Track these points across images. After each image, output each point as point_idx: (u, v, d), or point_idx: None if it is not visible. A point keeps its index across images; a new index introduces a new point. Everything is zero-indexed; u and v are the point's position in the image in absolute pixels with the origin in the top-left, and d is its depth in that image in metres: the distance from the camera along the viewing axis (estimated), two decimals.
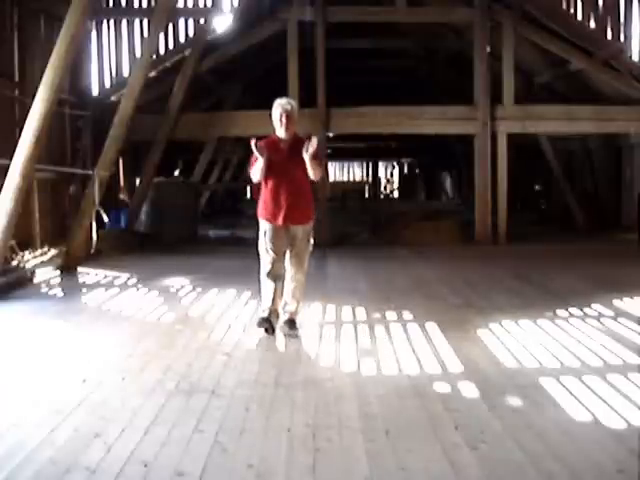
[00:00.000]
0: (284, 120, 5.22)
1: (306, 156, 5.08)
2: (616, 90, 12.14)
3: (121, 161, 12.92)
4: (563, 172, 14.62)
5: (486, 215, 11.93)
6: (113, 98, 12.17)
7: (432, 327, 5.55)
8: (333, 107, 11.99)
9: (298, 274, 5.40)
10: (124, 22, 12.54)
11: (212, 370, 4.41)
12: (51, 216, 10.65)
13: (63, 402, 3.77)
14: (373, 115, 12.23)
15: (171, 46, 12.72)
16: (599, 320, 5.81)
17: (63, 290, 7.57)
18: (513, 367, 4.46)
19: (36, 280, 7.90)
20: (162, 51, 12.47)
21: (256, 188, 6.03)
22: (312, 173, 5.20)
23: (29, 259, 9.03)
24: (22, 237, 8.99)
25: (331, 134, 13.66)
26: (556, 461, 3.00)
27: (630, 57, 11.46)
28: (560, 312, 6.09)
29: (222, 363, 4.57)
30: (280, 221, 5.26)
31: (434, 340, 5.15)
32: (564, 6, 12.05)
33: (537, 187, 19.68)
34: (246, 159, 19.42)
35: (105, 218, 10.77)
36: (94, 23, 12.13)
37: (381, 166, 36.63)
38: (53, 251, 9.87)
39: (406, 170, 35.68)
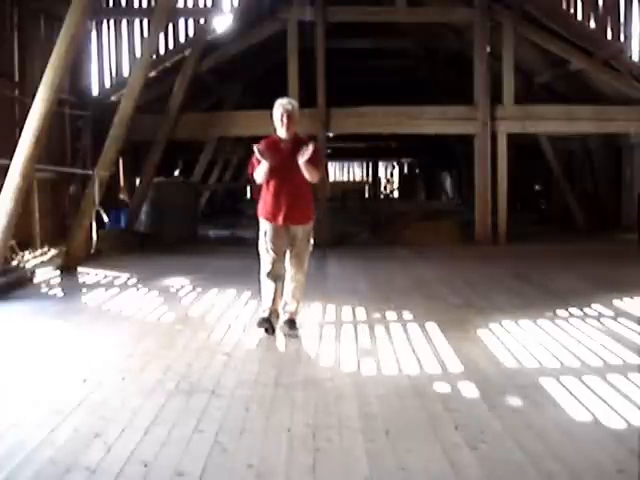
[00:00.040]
0: (285, 120, 5.22)
1: (300, 161, 5.10)
2: (616, 90, 12.14)
3: (121, 161, 12.92)
4: (563, 172, 14.62)
5: (486, 215, 11.94)
6: (113, 98, 12.17)
7: (432, 327, 5.56)
8: (333, 107, 11.99)
9: (298, 274, 5.40)
10: (124, 22, 12.54)
11: (212, 370, 4.41)
12: (51, 216, 10.65)
13: (63, 402, 3.77)
14: (373, 115, 12.23)
15: (171, 46, 12.73)
16: (599, 320, 5.81)
17: (63, 290, 7.57)
18: (513, 367, 4.46)
19: (36, 280, 7.90)
20: (162, 51, 12.47)
21: (256, 188, 6.04)
22: (308, 176, 5.21)
23: (29, 259, 9.03)
24: (22, 237, 8.99)
25: (331, 134, 13.68)
26: (556, 461, 3.00)
27: (630, 57, 11.46)
28: (560, 312, 6.09)
29: (222, 363, 4.58)
30: (280, 221, 5.27)
31: (434, 340, 5.15)
32: (564, 6, 12.05)
33: (537, 187, 19.68)
34: (246, 159, 19.48)
35: (105, 218, 10.77)
36: (94, 23, 12.13)
37: (381, 166, 36.64)
38: (53, 251, 9.88)
39: (406, 170, 35.68)
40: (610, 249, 11.24)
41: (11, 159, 7.42)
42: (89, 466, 2.96)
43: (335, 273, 8.85)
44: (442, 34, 15.11)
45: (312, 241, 5.46)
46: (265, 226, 5.35)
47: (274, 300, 5.36)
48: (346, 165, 37.66)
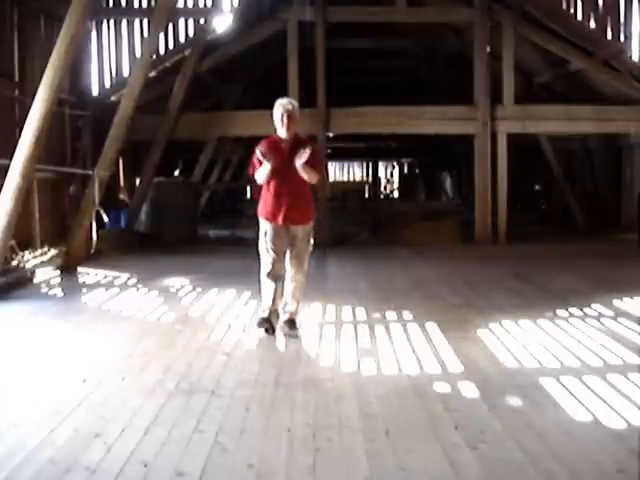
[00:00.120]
0: (285, 120, 5.23)
1: (297, 164, 5.10)
2: (616, 90, 12.14)
3: (121, 161, 12.92)
4: (563, 172, 14.62)
5: (486, 215, 11.93)
6: (113, 98, 12.17)
7: (432, 327, 5.56)
8: (333, 107, 11.99)
9: (298, 274, 5.40)
10: (124, 22, 12.54)
11: (212, 370, 4.41)
12: (51, 216, 10.65)
13: (63, 402, 3.77)
14: (373, 115, 12.23)
15: (171, 46, 12.72)
16: (599, 320, 5.81)
17: (63, 290, 7.57)
18: (513, 367, 4.46)
19: (36, 280, 7.90)
20: (162, 51, 12.47)
21: (256, 188, 6.04)
22: (307, 177, 5.23)
23: (29, 259, 9.03)
24: (22, 237, 8.99)
25: (331, 134, 13.67)
26: (556, 461, 3.00)
27: (630, 57, 11.46)
28: (560, 312, 6.09)
29: (222, 363, 4.58)
30: (280, 221, 5.27)
31: (434, 340, 5.15)
32: (564, 6, 12.05)
33: (537, 187, 19.68)
34: (246, 159, 19.48)
35: (105, 218, 10.77)
36: (94, 23, 12.13)
37: (381, 166, 36.63)
38: (53, 251, 9.87)
39: (406, 170, 35.68)
40: (610, 249, 11.24)
41: (11, 159, 7.42)
42: (89, 466, 2.96)
43: (335, 273, 8.85)
44: (442, 34, 15.11)
45: (312, 241, 5.47)
46: (265, 226, 5.35)
47: (274, 300, 5.37)
48: (346, 165, 37.65)
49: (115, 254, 10.25)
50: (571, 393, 3.91)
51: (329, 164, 29.51)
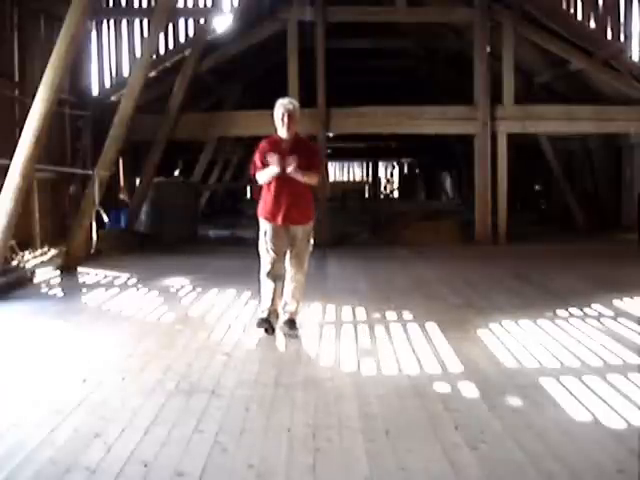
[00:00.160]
0: (286, 120, 5.23)
1: (289, 171, 5.12)
2: (616, 90, 12.14)
3: (121, 161, 12.92)
4: (563, 172, 14.62)
5: (486, 215, 11.93)
6: (113, 98, 12.17)
7: (432, 327, 5.56)
8: (333, 107, 11.99)
9: (298, 274, 5.40)
10: (124, 22, 12.55)
11: (212, 370, 4.41)
12: (51, 216, 10.65)
13: (63, 402, 3.78)
14: (373, 115, 12.23)
15: (171, 46, 12.73)
16: (599, 320, 5.81)
17: (63, 290, 7.57)
18: (513, 367, 4.46)
19: (36, 280, 7.90)
20: (162, 51, 12.47)
21: (256, 188, 6.04)
22: (307, 180, 5.26)
23: (29, 259, 9.03)
24: (22, 237, 8.99)
25: (331, 134, 13.67)
26: (556, 461, 3.00)
27: (630, 57, 11.46)
28: (560, 312, 6.09)
29: (222, 363, 4.58)
30: (280, 221, 5.27)
31: (434, 340, 5.15)
32: (564, 6, 12.05)
33: (537, 187, 19.68)
34: (246, 159, 19.51)
35: (105, 218, 10.77)
36: (94, 23, 12.13)
37: (381, 166, 36.63)
38: (53, 251, 9.87)
39: (406, 170, 35.68)
40: (610, 249, 11.24)
41: (11, 159, 7.42)
42: (89, 466, 2.97)
43: (335, 273, 8.85)
44: (442, 34, 15.11)
45: (312, 241, 5.47)
46: (265, 226, 5.35)
47: (273, 300, 5.37)
48: (346, 165, 37.65)
49: (115, 254, 10.25)
50: (571, 393, 3.91)
51: (329, 164, 29.49)
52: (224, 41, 12.66)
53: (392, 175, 37.36)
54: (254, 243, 5.54)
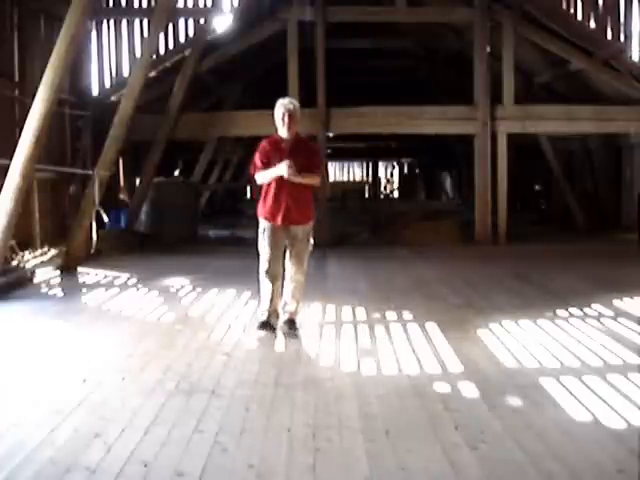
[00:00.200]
0: (286, 120, 5.23)
1: (288, 176, 5.13)
2: (616, 90, 12.14)
3: (121, 161, 12.92)
4: (563, 172, 14.62)
5: (486, 215, 11.93)
6: (113, 98, 12.17)
7: (432, 327, 5.56)
8: (333, 107, 11.99)
9: (298, 274, 5.40)
10: (124, 22, 12.55)
11: (212, 370, 4.41)
12: (51, 216, 10.65)
13: (63, 402, 3.77)
14: (373, 115, 12.23)
15: (171, 46, 12.73)
16: (599, 320, 5.81)
17: (63, 290, 7.57)
18: (513, 367, 4.46)
19: (36, 280, 7.90)
20: (162, 51, 12.47)
21: (256, 188, 6.04)
22: (309, 182, 5.27)
23: (29, 259, 9.03)
24: (22, 237, 8.99)
25: (331, 134, 13.67)
26: (556, 461, 3.00)
27: (630, 57, 11.46)
28: (560, 312, 6.09)
29: (222, 363, 4.58)
30: (279, 221, 5.28)
31: (434, 340, 5.15)
32: (564, 6, 12.05)
33: (537, 187, 19.68)
34: (246, 159, 19.50)
35: (105, 218, 10.76)
36: (94, 23, 12.13)
37: (381, 166, 36.62)
38: (53, 251, 9.87)
39: (406, 170, 35.67)
40: (610, 249, 11.24)
41: (11, 159, 7.42)
42: (89, 466, 2.97)
43: (335, 273, 8.85)
44: (442, 34, 15.11)
45: (312, 241, 5.47)
46: (264, 225, 5.36)
47: (272, 300, 5.40)
48: (346, 165, 37.64)
49: (115, 254, 10.25)
50: (571, 393, 3.91)
51: (329, 164, 29.49)
52: (224, 41, 12.66)
53: (392, 175, 37.36)
54: (254, 243, 5.54)
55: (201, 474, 2.90)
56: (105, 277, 8.34)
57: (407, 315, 6.06)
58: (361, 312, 6.18)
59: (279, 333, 5.35)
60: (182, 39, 12.81)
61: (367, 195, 32.92)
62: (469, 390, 3.99)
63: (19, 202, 7.38)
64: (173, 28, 12.71)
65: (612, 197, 14.82)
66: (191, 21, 12.73)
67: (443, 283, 7.84)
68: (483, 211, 11.94)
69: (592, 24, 11.65)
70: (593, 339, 5.15)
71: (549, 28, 11.95)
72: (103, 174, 9.56)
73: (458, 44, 14.85)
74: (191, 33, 12.72)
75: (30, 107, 7.54)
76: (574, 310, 6.18)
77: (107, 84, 12.55)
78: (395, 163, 36.38)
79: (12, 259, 8.40)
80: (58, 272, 8.46)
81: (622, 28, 11.19)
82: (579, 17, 11.87)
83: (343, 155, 31.54)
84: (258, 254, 5.41)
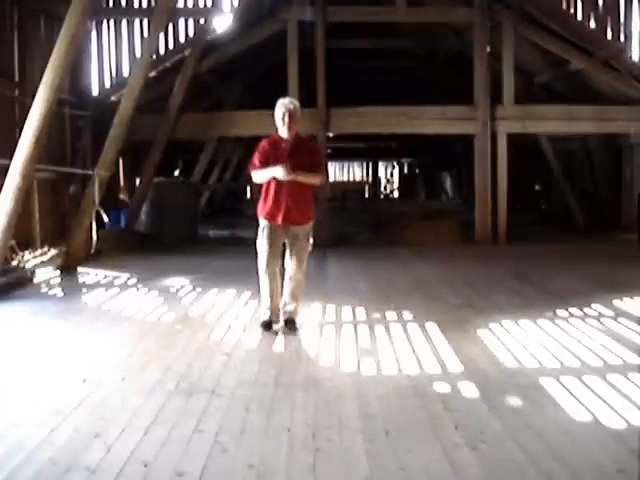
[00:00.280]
0: (287, 119, 5.23)
1: (290, 177, 5.14)
2: (616, 90, 12.13)
3: (121, 161, 12.92)
4: (563, 172, 14.62)
5: (486, 215, 11.93)
6: (113, 98, 12.17)
7: (432, 327, 5.56)
8: (333, 107, 11.99)
9: (297, 274, 5.41)
10: (124, 22, 12.54)
11: (212, 370, 4.41)
12: (51, 216, 10.65)
13: (63, 402, 3.77)
14: (373, 115, 12.23)
15: (171, 46, 12.72)
16: (599, 320, 5.81)
17: (63, 290, 7.57)
18: (513, 367, 4.46)
19: (36, 280, 7.90)
20: (162, 51, 12.47)
21: (256, 188, 6.06)
22: (311, 181, 5.28)
23: (29, 259, 9.03)
24: (22, 237, 8.99)
25: (331, 134, 13.67)
26: (556, 461, 3.00)
27: (630, 57, 11.46)
28: (560, 312, 6.09)
29: (222, 363, 4.58)
30: (279, 221, 5.28)
31: (434, 340, 5.15)
32: (564, 6, 12.05)
33: (537, 187, 19.67)
34: (246, 159, 19.48)
35: (105, 218, 10.77)
36: (94, 23, 12.13)
37: (381, 166, 36.62)
38: (53, 251, 9.87)
39: (406, 170, 35.67)
40: (610, 249, 11.23)
41: (11, 159, 7.42)
42: (89, 466, 2.96)
43: (335, 273, 8.85)
44: (442, 34, 15.11)
45: (312, 241, 5.48)
46: (264, 224, 5.37)
47: (273, 298, 5.41)
48: (346, 165, 37.64)
49: (115, 254, 10.25)
50: (571, 393, 3.91)
51: (329, 164, 29.49)
52: (224, 41, 12.66)
53: (392, 175, 37.35)
54: (254, 243, 5.54)
55: (201, 474, 2.90)
56: (105, 277, 8.34)
57: (407, 315, 6.06)
58: (361, 312, 6.18)
59: (279, 333, 5.35)
60: (182, 39, 12.81)
61: (367, 195, 32.90)
62: (469, 390, 3.99)
63: (19, 202, 7.38)
64: (173, 28, 12.71)
65: (612, 197, 14.82)
66: (191, 21, 12.73)
67: (443, 283, 7.84)
68: (483, 211, 11.93)
69: (592, 24, 11.65)
70: (593, 339, 5.15)
71: (549, 28, 11.95)
72: (103, 174, 9.56)
73: (458, 44, 14.85)
74: (191, 33, 12.72)
75: (30, 107, 7.54)
76: (574, 310, 6.18)
77: (107, 84, 12.55)
78: (395, 163, 36.37)
79: (12, 259, 8.41)
80: (58, 272, 8.46)
81: (622, 28, 11.19)
82: (579, 17, 11.87)
83: (343, 155, 31.54)
84: (257, 253, 5.42)
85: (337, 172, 37.27)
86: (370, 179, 35.73)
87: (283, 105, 5.28)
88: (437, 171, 31.86)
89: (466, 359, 4.61)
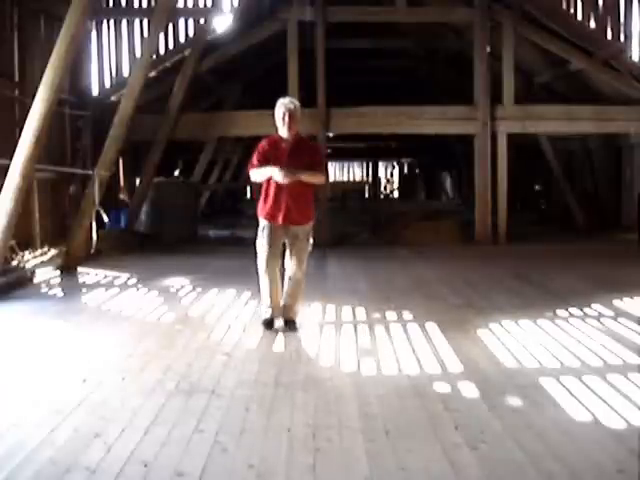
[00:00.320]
0: (287, 119, 5.24)
1: (294, 178, 5.15)
2: (616, 90, 12.13)
3: (121, 161, 12.92)
4: (563, 172, 14.62)
5: (486, 215, 11.93)
6: (113, 98, 12.17)
7: (432, 327, 5.55)
8: (333, 107, 11.99)
9: (297, 274, 5.42)
10: (124, 22, 12.54)
11: (212, 370, 4.41)
12: (51, 216, 10.65)
13: (63, 402, 3.77)
14: (373, 115, 12.23)
15: (171, 46, 12.72)
16: (599, 320, 5.81)
17: (63, 290, 7.57)
18: (513, 367, 4.46)
19: (36, 280, 7.90)
20: (162, 51, 12.46)
21: (256, 188, 6.06)
22: (314, 181, 5.30)
23: (29, 259, 9.03)
24: (22, 237, 8.99)
25: (331, 134, 13.67)
26: (556, 461, 3.00)
27: (630, 57, 11.46)
28: (560, 312, 6.09)
29: (222, 363, 4.58)
30: (280, 221, 5.29)
31: (434, 340, 5.15)
32: (564, 6, 12.05)
33: (537, 187, 19.68)
34: (246, 159, 19.47)
35: (105, 218, 10.77)
36: (94, 23, 12.13)
37: (381, 166, 36.61)
38: (53, 251, 9.87)
39: (406, 170, 35.67)
40: (610, 249, 11.23)
41: (11, 159, 7.42)
42: (89, 466, 2.96)
43: (335, 273, 8.85)
44: (442, 34, 15.11)
45: (312, 241, 5.48)
46: (263, 223, 5.38)
47: (273, 297, 5.42)
48: (346, 165, 37.64)
49: (115, 254, 10.25)
50: (571, 393, 3.91)
51: (329, 164, 29.49)
52: (224, 41, 12.65)
53: (392, 175, 37.35)
54: (254, 243, 5.55)
55: (201, 474, 2.90)
56: (105, 277, 8.34)
57: (407, 315, 6.06)
58: (361, 312, 6.18)
59: (279, 333, 5.35)
60: (182, 39, 12.80)
61: (367, 195, 32.90)
62: (469, 390, 3.99)
63: (19, 202, 7.38)
64: (173, 28, 12.70)
65: (612, 197, 14.82)
66: (191, 21, 12.73)
67: (443, 283, 7.84)
68: (483, 211, 11.93)
69: (592, 24, 11.65)
70: (593, 339, 5.15)
71: (549, 28, 11.95)
72: (103, 174, 9.56)
73: (458, 44, 14.85)
74: (191, 33, 12.72)
75: (30, 107, 7.54)
76: (574, 310, 6.18)
77: (107, 84, 12.55)
78: (395, 163, 36.37)
79: (12, 259, 8.41)
80: (58, 272, 8.46)
81: (622, 28, 11.18)
82: (579, 17, 11.86)
83: (343, 155, 31.54)
84: (257, 253, 5.42)
85: (337, 172, 37.27)
86: (370, 179, 35.72)
87: (283, 105, 5.28)
88: (437, 171, 31.86)
89: (466, 359, 4.61)
